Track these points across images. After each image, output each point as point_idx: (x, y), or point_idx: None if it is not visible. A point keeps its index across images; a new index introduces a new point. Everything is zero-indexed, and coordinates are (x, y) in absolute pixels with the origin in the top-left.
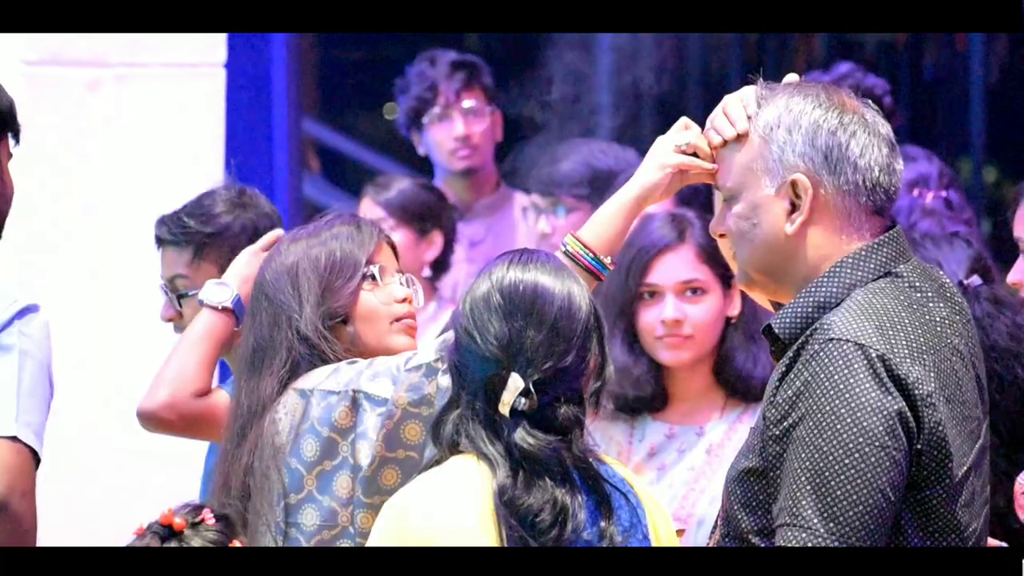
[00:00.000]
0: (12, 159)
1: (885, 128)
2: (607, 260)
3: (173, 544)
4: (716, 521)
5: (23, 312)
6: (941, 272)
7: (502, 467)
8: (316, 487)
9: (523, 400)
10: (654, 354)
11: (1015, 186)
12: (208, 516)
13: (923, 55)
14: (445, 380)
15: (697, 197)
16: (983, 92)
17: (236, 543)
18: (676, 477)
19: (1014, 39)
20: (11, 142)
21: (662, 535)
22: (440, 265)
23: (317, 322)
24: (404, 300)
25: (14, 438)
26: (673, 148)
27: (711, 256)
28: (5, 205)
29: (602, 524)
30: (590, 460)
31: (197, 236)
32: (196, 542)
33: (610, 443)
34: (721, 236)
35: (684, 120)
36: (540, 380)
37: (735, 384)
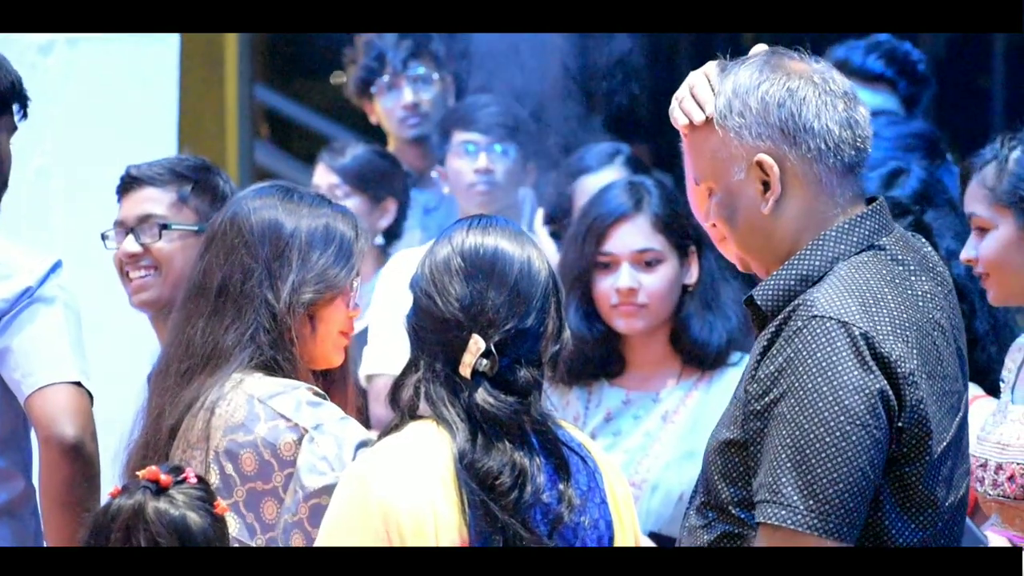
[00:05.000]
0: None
1: (837, 83)
2: None
3: (161, 502)
4: (696, 487)
5: (55, 266)
6: (924, 242)
7: (461, 431)
8: (244, 500)
9: (484, 361)
10: (610, 322)
11: (965, 161)
12: (190, 475)
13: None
14: None
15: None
16: (932, 65)
17: (220, 502)
18: (632, 443)
19: None
20: (16, 116)
21: (619, 498)
22: (393, 232)
23: (295, 304)
24: (353, 316)
25: (78, 384)
26: None
27: (667, 225)
28: (4, 177)
29: (560, 487)
30: (548, 424)
31: (185, 178)
32: (181, 498)
33: (567, 408)
34: (712, 226)
35: None
36: (501, 341)
37: (691, 352)
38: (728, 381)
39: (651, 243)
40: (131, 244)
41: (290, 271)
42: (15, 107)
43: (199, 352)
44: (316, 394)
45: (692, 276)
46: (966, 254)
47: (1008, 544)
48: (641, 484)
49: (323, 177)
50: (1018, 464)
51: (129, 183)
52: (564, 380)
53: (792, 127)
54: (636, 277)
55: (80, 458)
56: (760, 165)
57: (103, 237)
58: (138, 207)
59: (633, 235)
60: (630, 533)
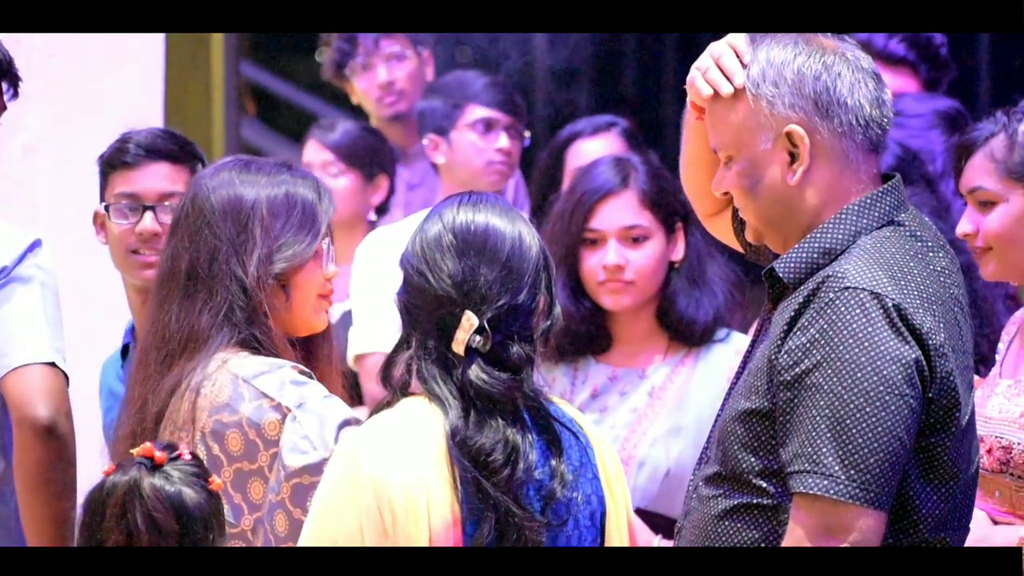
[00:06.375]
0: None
1: (867, 62)
2: None
3: (157, 478)
4: (703, 456)
5: (33, 245)
6: (930, 222)
7: (454, 408)
8: (231, 481)
9: (477, 338)
10: (596, 298)
11: (962, 135)
12: (184, 452)
13: None
14: None
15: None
16: None
17: (214, 478)
18: (618, 419)
19: None
20: (6, 96)
21: (611, 473)
22: (384, 209)
23: (264, 277)
24: (330, 278)
25: (52, 364)
26: None
27: (654, 202)
28: None
29: (553, 463)
30: (540, 400)
31: (194, 155)
32: (177, 474)
33: (553, 385)
34: (724, 194)
35: None
36: (493, 318)
37: (678, 328)
38: (715, 357)
39: (638, 219)
40: (153, 222)
41: (255, 244)
42: (4, 86)
43: (175, 337)
44: (302, 372)
45: (679, 253)
46: (963, 228)
47: (986, 517)
48: (628, 461)
49: (316, 155)
50: (996, 437)
51: (142, 155)
52: (551, 357)
53: (826, 100)
54: (623, 253)
55: (54, 439)
56: (790, 136)
57: (107, 209)
58: (159, 183)
59: (620, 211)
60: (622, 508)
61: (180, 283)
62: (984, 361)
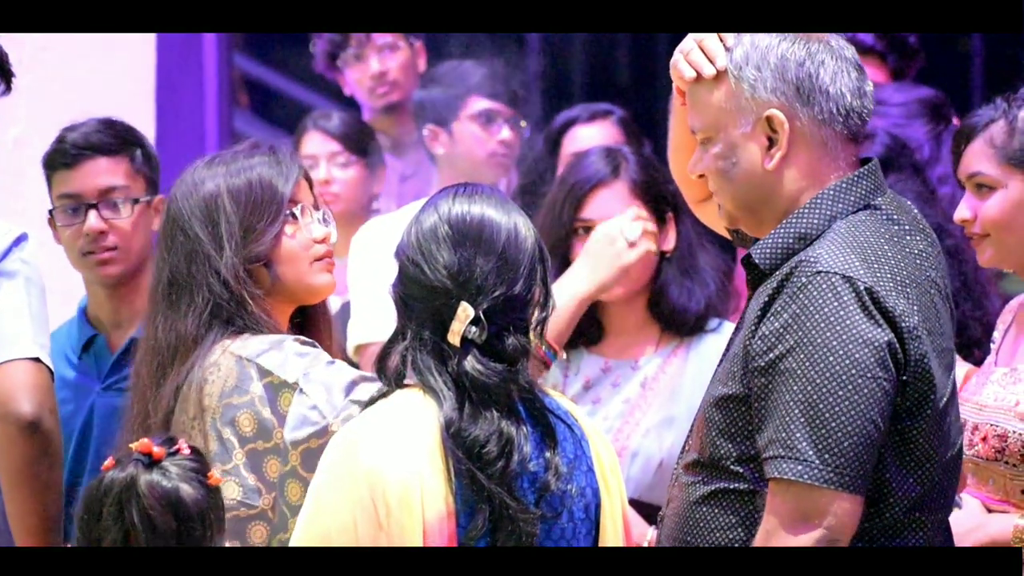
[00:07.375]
0: None
1: (850, 52)
2: (558, 348)
3: (154, 474)
4: (685, 446)
5: (19, 240)
6: (912, 205)
7: (448, 400)
8: (245, 462)
9: (473, 329)
10: None
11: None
12: (183, 446)
13: None
14: None
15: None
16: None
17: (213, 472)
18: (611, 410)
19: None
20: None
21: (606, 465)
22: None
23: (239, 267)
24: (323, 239)
25: (36, 359)
26: (627, 245)
27: (645, 192)
28: None
29: (547, 455)
30: (535, 391)
31: (131, 143)
32: (175, 470)
33: (546, 377)
34: (700, 177)
35: (634, 210)
36: (489, 309)
37: (670, 318)
38: (707, 347)
39: (629, 209)
40: (99, 221)
41: (224, 238)
42: None
43: (163, 347)
44: (304, 343)
45: (670, 243)
46: (961, 214)
47: (980, 505)
48: (621, 451)
49: (322, 146)
50: (991, 425)
51: (78, 153)
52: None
53: (808, 87)
54: None
55: (38, 434)
56: (770, 121)
57: (51, 212)
58: (97, 179)
59: (611, 201)
60: (617, 500)
61: (163, 294)
62: (977, 344)
